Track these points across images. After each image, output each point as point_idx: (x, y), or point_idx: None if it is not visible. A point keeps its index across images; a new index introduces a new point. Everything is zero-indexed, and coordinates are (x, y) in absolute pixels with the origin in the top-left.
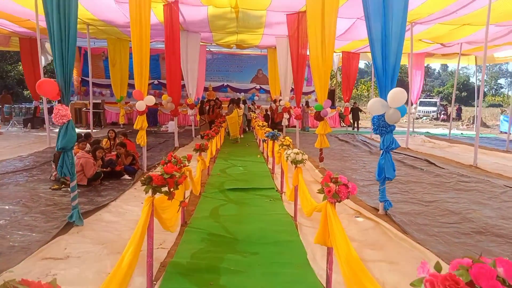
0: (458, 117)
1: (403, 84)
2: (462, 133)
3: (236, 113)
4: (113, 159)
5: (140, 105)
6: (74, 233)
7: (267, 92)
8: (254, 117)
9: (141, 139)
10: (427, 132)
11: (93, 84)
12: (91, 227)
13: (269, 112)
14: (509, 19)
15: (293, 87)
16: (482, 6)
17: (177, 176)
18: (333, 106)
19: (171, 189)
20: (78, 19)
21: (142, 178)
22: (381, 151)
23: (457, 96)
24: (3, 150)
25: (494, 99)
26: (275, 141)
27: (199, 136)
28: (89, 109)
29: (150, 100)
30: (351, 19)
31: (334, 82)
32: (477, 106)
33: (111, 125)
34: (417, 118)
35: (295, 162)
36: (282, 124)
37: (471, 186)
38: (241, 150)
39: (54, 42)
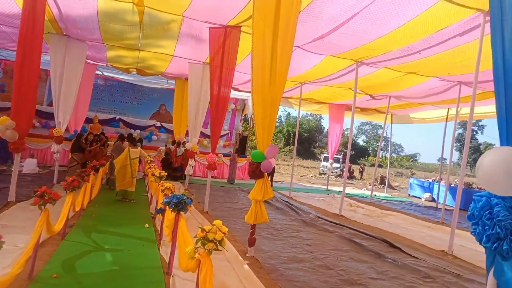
0: (362, 176)
1: (311, 137)
2: (375, 195)
3: (126, 154)
4: None
5: None
6: None
7: (169, 131)
8: (149, 161)
9: None
10: (340, 191)
11: None
12: None
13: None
14: (458, 72)
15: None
16: (449, 48)
17: None
18: (244, 155)
19: None
20: None
21: None
22: None
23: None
24: None
25: (374, 159)
26: (182, 212)
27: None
28: None
29: None
30: None
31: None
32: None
33: None
34: (320, 174)
35: None
36: (186, 172)
37: None
38: (121, 211)
39: None
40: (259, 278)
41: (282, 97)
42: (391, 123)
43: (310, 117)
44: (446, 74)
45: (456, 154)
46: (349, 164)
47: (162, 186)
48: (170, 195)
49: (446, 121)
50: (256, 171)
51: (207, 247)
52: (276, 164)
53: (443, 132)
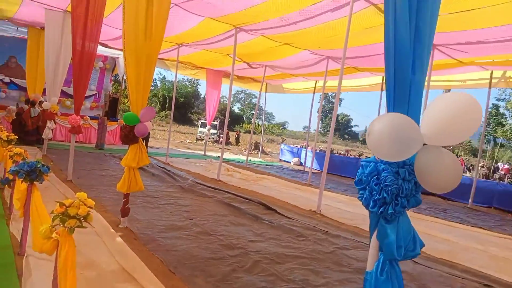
0: (237, 142)
1: (187, 103)
2: (250, 160)
3: None
4: None
5: None
6: None
7: (22, 89)
8: None
9: None
10: (218, 156)
11: None
12: None
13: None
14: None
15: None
16: (321, 23)
17: None
18: (114, 118)
19: None
20: None
21: None
22: (378, 263)
23: (222, 121)
24: None
25: (249, 126)
26: (37, 182)
27: None
28: None
29: None
30: None
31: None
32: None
33: None
34: (197, 139)
35: None
36: (44, 136)
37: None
38: None
39: None
40: (134, 250)
41: (158, 59)
42: (266, 92)
43: (187, 82)
44: (316, 48)
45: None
46: (227, 131)
47: (11, 151)
48: (20, 162)
49: (314, 93)
50: (129, 135)
51: (68, 224)
52: (151, 129)
53: (308, 102)
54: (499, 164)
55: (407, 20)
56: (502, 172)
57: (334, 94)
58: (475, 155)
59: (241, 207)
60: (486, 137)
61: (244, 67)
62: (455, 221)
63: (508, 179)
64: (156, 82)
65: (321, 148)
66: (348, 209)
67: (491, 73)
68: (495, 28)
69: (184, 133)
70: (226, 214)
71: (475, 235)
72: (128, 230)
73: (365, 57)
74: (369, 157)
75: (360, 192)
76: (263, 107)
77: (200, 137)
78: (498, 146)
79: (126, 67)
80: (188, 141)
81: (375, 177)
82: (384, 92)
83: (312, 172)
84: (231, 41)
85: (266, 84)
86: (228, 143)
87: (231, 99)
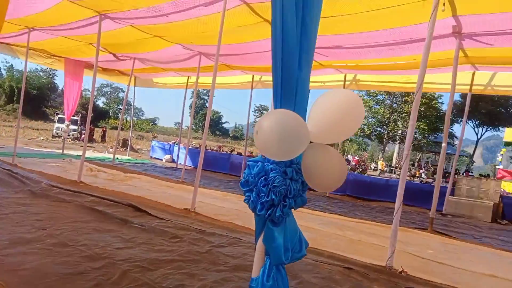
0: (103, 139)
1: (42, 96)
2: (118, 158)
3: None
4: None
5: None
6: None
7: None
8: None
9: None
10: (79, 155)
11: None
12: None
13: None
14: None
15: None
16: (195, 17)
17: None
18: None
19: None
20: None
21: None
22: (264, 269)
23: (85, 116)
24: None
25: (116, 122)
26: None
27: None
28: None
29: None
30: None
31: None
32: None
33: None
34: (54, 136)
35: None
36: None
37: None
38: None
39: None
40: None
41: (3, 43)
42: (134, 86)
43: (41, 73)
44: (189, 43)
45: (190, 120)
46: (91, 127)
47: None
48: None
49: (186, 88)
50: None
51: None
52: None
53: (180, 98)
54: (349, 156)
55: (293, 14)
56: (353, 163)
57: (205, 91)
58: None
59: (107, 211)
60: None
61: (110, 58)
62: (317, 210)
63: (358, 170)
64: (0, 71)
65: (193, 144)
66: (223, 204)
67: (345, 76)
68: (348, 35)
69: (38, 130)
70: (88, 220)
71: (334, 221)
72: None
73: (237, 55)
74: (255, 157)
75: (247, 194)
76: (132, 102)
77: (57, 133)
78: (348, 141)
79: None
80: (42, 138)
81: (262, 178)
82: (254, 90)
83: (185, 169)
84: (95, 28)
85: (135, 77)
86: (91, 140)
87: (95, 93)
